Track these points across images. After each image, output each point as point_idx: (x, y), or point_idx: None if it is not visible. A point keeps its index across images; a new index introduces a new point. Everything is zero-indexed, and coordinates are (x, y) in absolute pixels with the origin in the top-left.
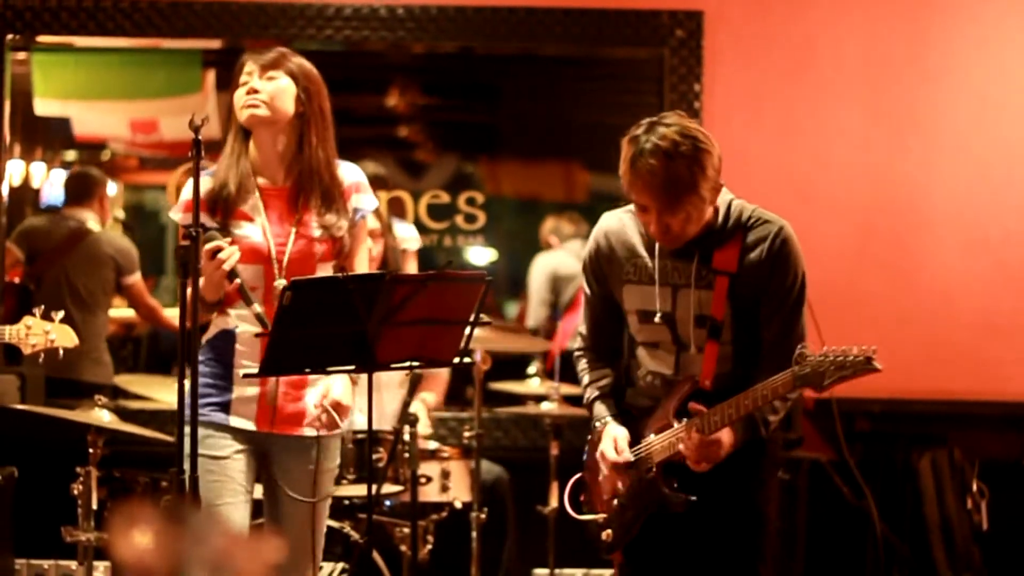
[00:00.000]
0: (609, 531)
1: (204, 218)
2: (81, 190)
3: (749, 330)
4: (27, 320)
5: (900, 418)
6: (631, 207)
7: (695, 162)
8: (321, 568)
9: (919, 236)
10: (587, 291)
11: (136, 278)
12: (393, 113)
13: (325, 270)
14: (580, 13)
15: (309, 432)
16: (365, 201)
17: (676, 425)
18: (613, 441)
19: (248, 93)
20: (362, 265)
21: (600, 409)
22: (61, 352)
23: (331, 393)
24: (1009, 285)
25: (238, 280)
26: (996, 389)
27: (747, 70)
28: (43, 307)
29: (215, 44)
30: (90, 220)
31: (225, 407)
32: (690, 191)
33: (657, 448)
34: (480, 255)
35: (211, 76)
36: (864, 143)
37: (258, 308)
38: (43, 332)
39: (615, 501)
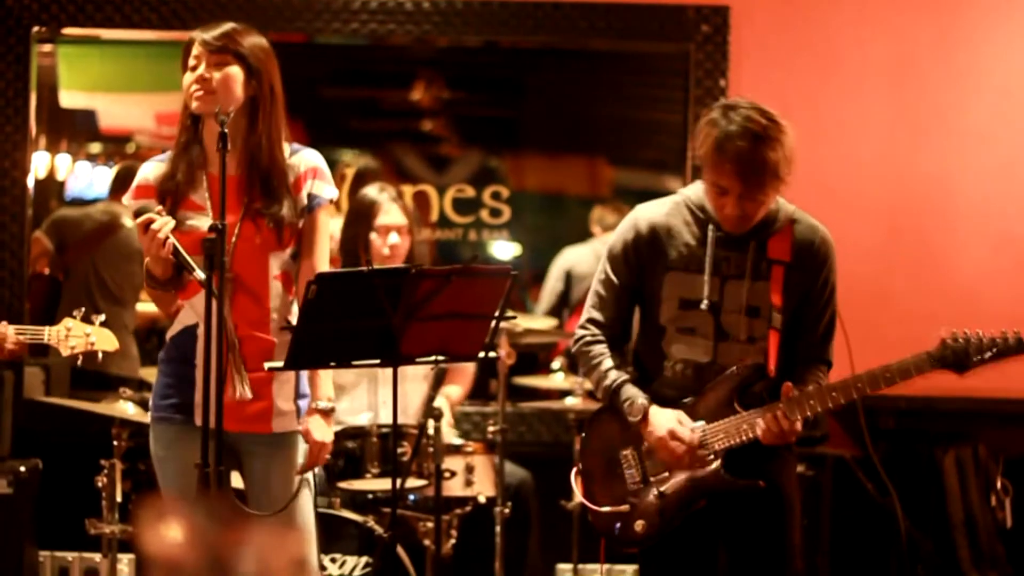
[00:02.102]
0: (642, 522)
1: (150, 204)
2: (124, 185)
3: (790, 322)
4: (67, 322)
5: (925, 415)
6: (672, 197)
7: (782, 145)
8: (345, 562)
9: (944, 234)
10: (613, 279)
11: None
12: (418, 107)
13: (278, 259)
14: (606, 8)
15: (279, 429)
16: (323, 188)
17: (741, 413)
18: (678, 421)
19: (196, 82)
20: (322, 257)
21: (634, 391)
22: (100, 355)
23: (313, 435)
24: None
25: (172, 242)
26: (1021, 387)
27: (773, 66)
28: (83, 309)
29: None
30: (124, 215)
31: (188, 408)
32: (775, 175)
33: (720, 436)
34: (504, 249)
35: None
36: (889, 141)
37: (201, 274)
38: (84, 335)
39: (653, 490)
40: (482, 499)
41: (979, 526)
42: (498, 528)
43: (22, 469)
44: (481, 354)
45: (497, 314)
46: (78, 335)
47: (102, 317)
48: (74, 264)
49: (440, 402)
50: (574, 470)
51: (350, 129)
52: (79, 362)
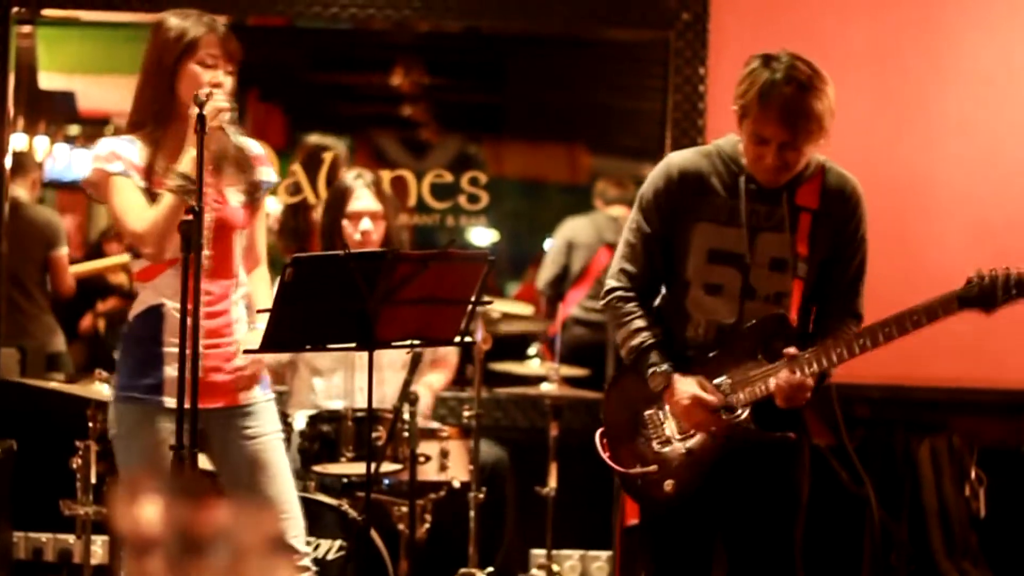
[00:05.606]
0: (671, 481)
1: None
2: (16, 168)
3: (816, 272)
4: None
5: (899, 404)
6: (704, 147)
7: (826, 96)
8: (319, 545)
9: (922, 222)
10: (645, 228)
11: (63, 252)
12: (397, 92)
13: (242, 238)
14: None
15: (244, 399)
16: (268, 174)
17: (764, 365)
18: (699, 385)
19: (221, 91)
20: (261, 236)
21: (658, 357)
22: None
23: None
24: None
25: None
26: (996, 376)
27: (753, 54)
28: None
29: (220, 20)
30: (21, 195)
31: (158, 388)
32: (819, 124)
33: (746, 388)
34: (482, 235)
35: None
36: (869, 127)
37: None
38: None
39: (681, 448)
40: (456, 484)
41: (953, 516)
42: (472, 513)
43: None
44: (457, 339)
45: (474, 299)
46: None
47: None
48: None
49: (422, 392)
50: (598, 432)
51: (329, 114)
52: None
